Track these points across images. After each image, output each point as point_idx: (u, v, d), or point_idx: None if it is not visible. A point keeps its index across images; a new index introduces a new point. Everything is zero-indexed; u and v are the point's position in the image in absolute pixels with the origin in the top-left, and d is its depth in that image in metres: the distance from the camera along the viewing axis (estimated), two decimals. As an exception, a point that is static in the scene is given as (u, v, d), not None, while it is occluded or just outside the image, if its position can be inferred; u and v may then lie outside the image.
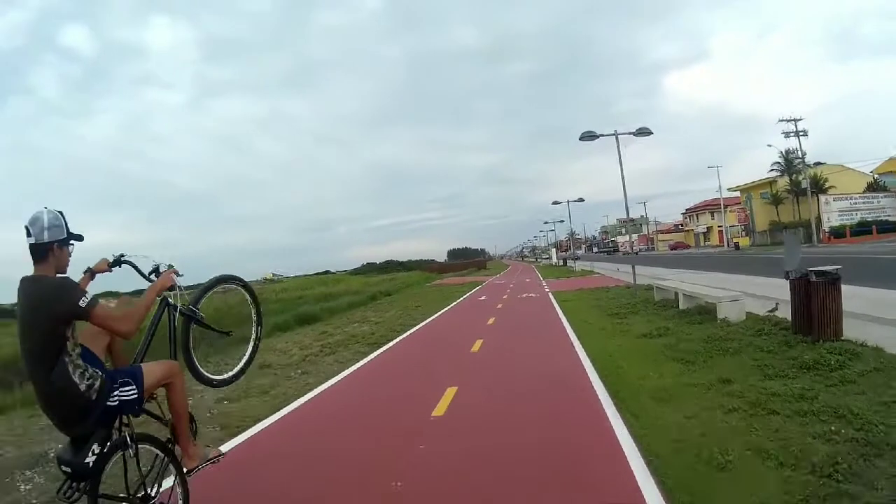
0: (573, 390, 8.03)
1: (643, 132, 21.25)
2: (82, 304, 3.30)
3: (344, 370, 11.05)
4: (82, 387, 3.35)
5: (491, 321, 17.02)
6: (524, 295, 27.76)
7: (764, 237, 72.42)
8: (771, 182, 72.91)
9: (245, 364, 4.92)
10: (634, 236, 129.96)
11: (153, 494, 3.83)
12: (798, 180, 66.27)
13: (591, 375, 8.76)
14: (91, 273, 3.99)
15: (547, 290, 30.01)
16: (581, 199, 46.78)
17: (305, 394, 9.18)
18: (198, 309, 4.29)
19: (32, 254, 3.38)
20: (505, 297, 27.51)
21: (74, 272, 3.69)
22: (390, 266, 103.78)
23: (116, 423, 3.64)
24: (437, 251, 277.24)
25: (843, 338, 8.93)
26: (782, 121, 60.76)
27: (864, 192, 67.40)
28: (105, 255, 4.09)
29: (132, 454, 3.65)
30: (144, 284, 4.08)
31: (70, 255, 3.55)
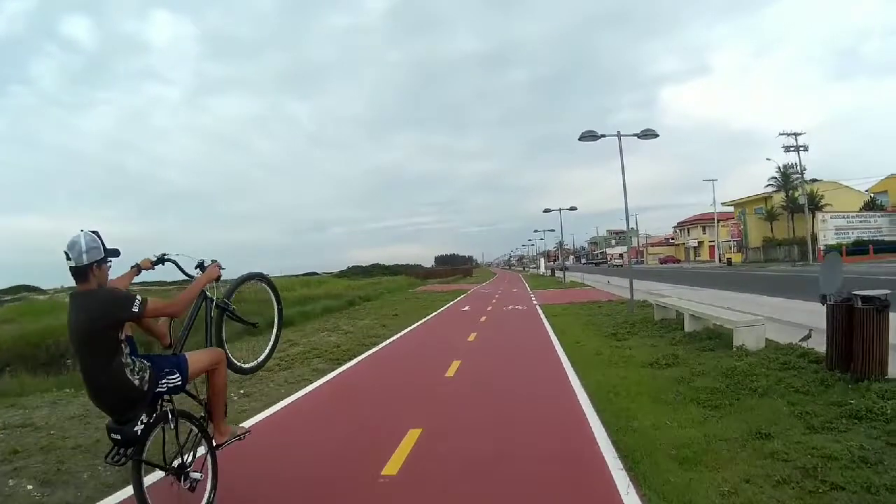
0: (570, 444, 6.21)
1: (648, 134, 19.54)
2: (136, 309, 3.71)
3: (291, 394, 9.26)
4: (136, 382, 3.80)
5: (472, 337, 15.18)
6: (510, 307, 25.88)
7: (757, 253, 71.54)
8: (766, 198, 72.06)
9: (268, 355, 5.55)
10: (624, 247, 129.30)
11: (188, 464, 4.29)
12: (794, 196, 65.43)
13: (591, 422, 6.94)
14: (137, 269, 4.44)
15: (535, 301, 28.24)
16: (574, 208, 44.94)
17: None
18: (230, 302, 4.85)
19: (74, 276, 3.74)
20: (490, 308, 25.64)
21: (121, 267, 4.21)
22: (376, 270, 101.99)
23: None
24: (425, 256, 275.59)
25: (888, 376, 7.43)
26: (783, 134, 59.66)
27: (861, 210, 66.68)
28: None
29: (172, 427, 4.16)
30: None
31: (109, 271, 3.92)
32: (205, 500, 4.43)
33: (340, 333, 17.10)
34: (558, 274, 71.19)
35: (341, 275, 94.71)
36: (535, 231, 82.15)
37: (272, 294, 5.59)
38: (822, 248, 59.97)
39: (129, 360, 3.80)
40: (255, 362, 5.38)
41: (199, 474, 4.37)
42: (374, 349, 13.87)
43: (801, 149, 60.17)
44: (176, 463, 4.21)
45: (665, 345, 12.22)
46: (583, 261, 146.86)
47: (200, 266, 4.68)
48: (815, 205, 62.10)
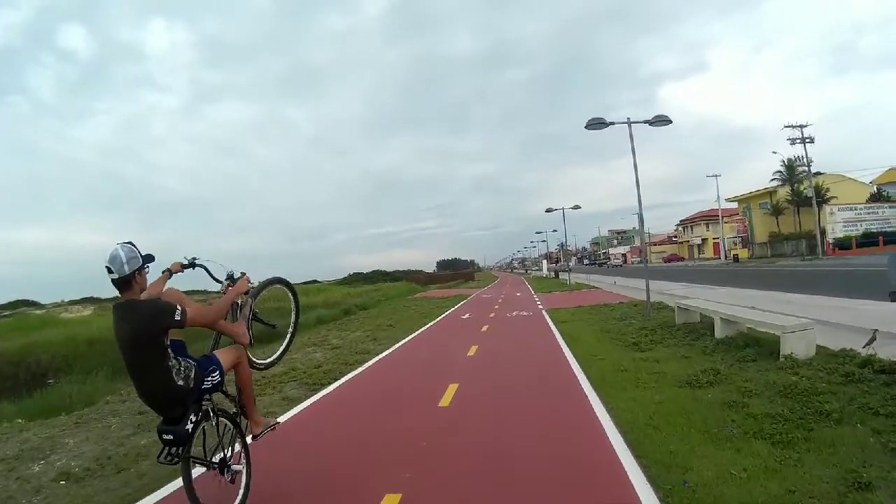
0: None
1: (660, 120, 17.70)
2: (178, 317, 3.96)
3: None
4: (181, 382, 4.07)
5: (472, 351, 13.25)
6: (514, 313, 23.86)
7: (764, 249, 69.70)
8: (771, 192, 70.27)
9: (282, 353, 5.80)
10: (626, 247, 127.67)
11: (228, 458, 4.66)
12: (800, 190, 63.91)
13: (632, 475, 5.06)
14: (169, 273, 4.71)
15: (540, 306, 26.29)
16: (578, 206, 43.01)
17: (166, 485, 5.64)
18: (254, 306, 5.08)
19: (118, 286, 3.99)
20: (492, 315, 23.57)
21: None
22: (377, 276, 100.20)
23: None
24: (427, 261, 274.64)
25: None
26: (788, 126, 58.05)
27: (867, 202, 64.91)
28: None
29: (213, 424, 4.54)
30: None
31: (147, 275, 4.20)
32: (241, 488, 4.76)
33: (327, 349, 15.21)
34: (562, 276, 69.40)
35: (342, 282, 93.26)
36: (538, 232, 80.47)
37: (292, 298, 5.87)
38: (830, 241, 58.58)
39: (174, 362, 4.06)
40: (270, 359, 5.63)
41: (240, 466, 4.78)
42: (359, 369, 11.95)
43: (807, 140, 58.69)
44: (218, 458, 4.57)
45: (698, 355, 10.44)
46: (585, 261, 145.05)
47: (230, 278, 4.95)
48: (821, 198, 60.27)
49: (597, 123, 17.45)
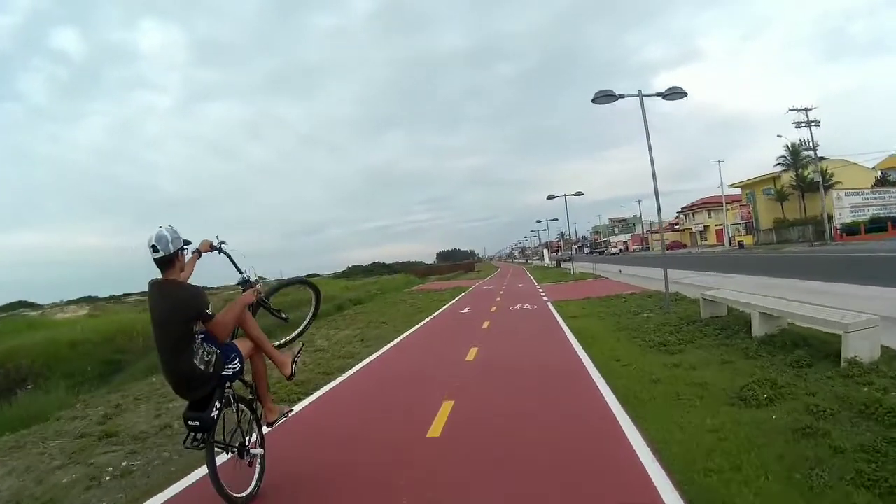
0: None
1: (674, 92, 15.88)
2: (209, 311, 4.30)
3: (180, 480, 5.59)
4: (202, 366, 4.26)
5: (471, 355, 11.34)
6: (518, 306, 21.80)
7: (769, 235, 67.90)
8: (774, 178, 68.40)
9: (293, 337, 5.97)
10: (627, 235, 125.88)
11: (246, 443, 4.89)
12: (804, 175, 62.06)
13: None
14: (198, 253, 4.89)
15: (545, 298, 24.33)
16: (580, 193, 41.36)
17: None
18: (268, 300, 5.32)
19: (161, 265, 4.30)
20: (493, 309, 21.57)
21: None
22: (376, 269, 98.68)
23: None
24: (426, 253, 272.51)
25: None
26: (793, 110, 56.18)
27: (873, 187, 63.04)
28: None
29: (234, 411, 4.76)
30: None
31: (186, 257, 4.56)
32: (257, 471, 5.01)
33: (309, 351, 13.32)
34: (565, 265, 67.58)
35: (341, 275, 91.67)
36: (538, 221, 78.33)
37: (314, 297, 6.23)
38: (837, 226, 56.84)
39: (200, 346, 4.30)
40: (281, 340, 5.79)
41: (258, 450, 5.06)
42: (338, 380, 10.06)
43: (813, 124, 56.93)
44: (237, 442, 4.79)
45: (739, 359, 8.71)
46: (586, 250, 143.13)
47: (246, 282, 5.06)
48: (826, 183, 58.39)
49: (605, 96, 15.62)
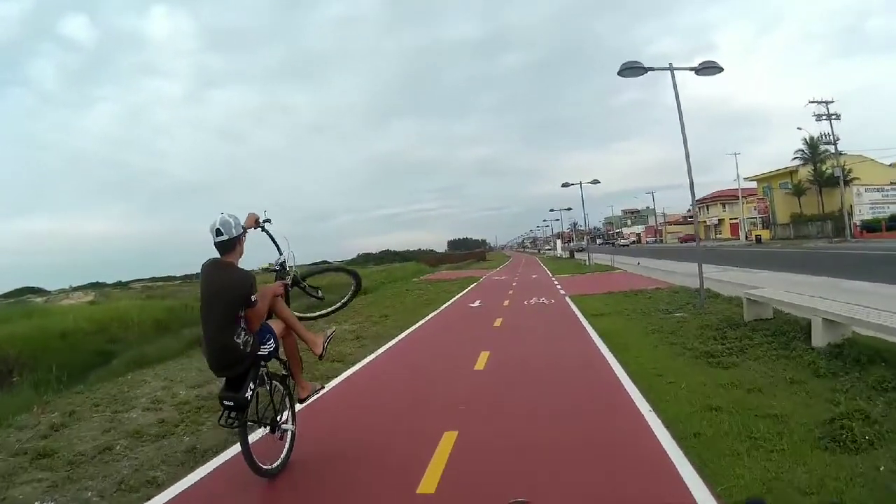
0: None
1: (708, 66, 13.76)
2: (253, 298, 4.47)
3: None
4: (241, 345, 4.43)
5: (481, 362, 9.36)
6: (533, 300, 19.55)
7: (786, 230, 65.58)
8: (792, 172, 66.01)
9: (327, 312, 6.11)
10: (641, 227, 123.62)
11: (278, 419, 5.01)
12: (823, 169, 59.60)
13: None
14: (243, 230, 4.80)
15: (562, 292, 22.05)
16: (596, 181, 39.39)
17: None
18: (304, 281, 5.51)
19: (223, 249, 4.58)
20: (506, 303, 19.41)
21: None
22: (386, 256, 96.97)
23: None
24: (438, 241, 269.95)
25: None
26: (813, 102, 53.76)
27: (891, 184, 60.53)
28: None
29: (267, 389, 4.89)
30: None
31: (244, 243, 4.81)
32: (287, 444, 5.13)
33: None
34: (578, 256, 65.50)
35: (350, 263, 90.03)
36: (551, 210, 75.75)
37: (353, 284, 6.19)
38: (857, 223, 54.60)
39: (241, 328, 4.46)
40: (311, 314, 6.26)
41: (289, 426, 5.18)
42: (322, 391, 7.87)
43: (833, 117, 54.53)
44: (269, 418, 4.91)
45: (808, 378, 6.92)
46: (598, 241, 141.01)
47: (282, 266, 5.27)
48: (845, 178, 55.97)
49: (633, 68, 13.51)
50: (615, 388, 7.22)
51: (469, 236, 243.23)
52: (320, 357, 5.43)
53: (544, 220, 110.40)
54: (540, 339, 11.77)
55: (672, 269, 28.19)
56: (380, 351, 11.32)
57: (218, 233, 4.50)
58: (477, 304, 20.30)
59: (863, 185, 58.62)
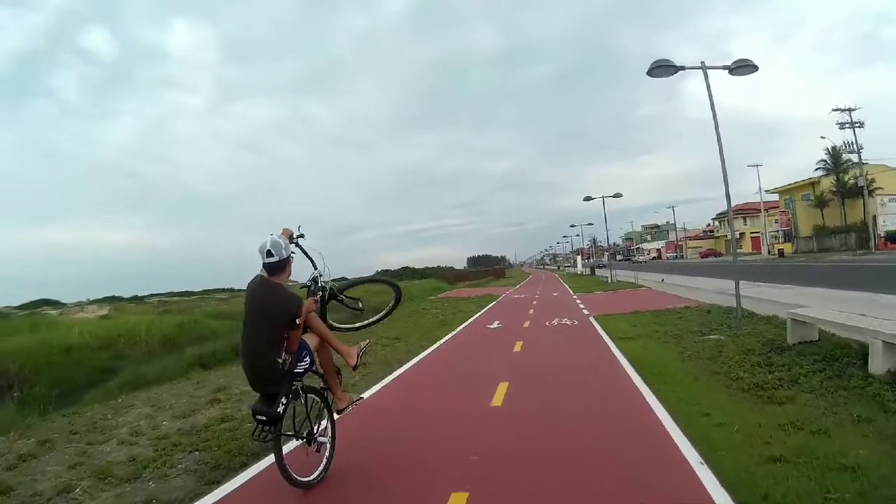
0: None
1: (743, 65, 12.64)
2: (297, 321, 4.58)
3: None
4: (281, 363, 4.54)
5: (498, 397, 8.12)
6: (555, 321, 18.06)
7: (809, 243, 63.86)
8: (813, 183, 64.42)
9: (359, 325, 6.26)
10: (661, 242, 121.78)
11: (315, 431, 5.06)
12: (845, 180, 57.97)
13: None
14: (293, 252, 4.99)
15: (586, 312, 20.60)
16: (619, 195, 38.25)
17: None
18: (341, 292, 5.62)
19: (273, 268, 4.67)
20: (527, 325, 17.91)
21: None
22: (405, 273, 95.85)
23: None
24: (457, 258, 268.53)
25: None
26: (836, 110, 52.39)
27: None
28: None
29: (302, 402, 4.95)
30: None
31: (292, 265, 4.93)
32: (325, 457, 5.15)
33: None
34: (599, 272, 64.02)
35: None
36: (572, 226, 74.35)
37: (393, 295, 6.50)
38: (881, 233, 52.92)
39: (283, 348, 4.57)
40: (347, 325, 6.21)
41: (325, 438, 5.20)
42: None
43: (857, 125, 53.01)
44: (306, 431, 4.98)
45: (876, 413, 5.96)
46: (618, 257, 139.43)
47: (315, 281, 5.38)
48: (867, 188, 54.27)
49: (663, 66, 12.41)
50: (657, 432, 6.06)
51: (489, 253, 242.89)
52: (354, 368, 5.44)
53: (564, 237, 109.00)
54: (564, 367, 10.54)
55: (697, 286, 26.97)
56: (386, 381, 10.16)
57: (269, 254, 4.61)
58: (495, 325, 18.94)
59: (886, 194, 57.03)
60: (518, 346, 13.06)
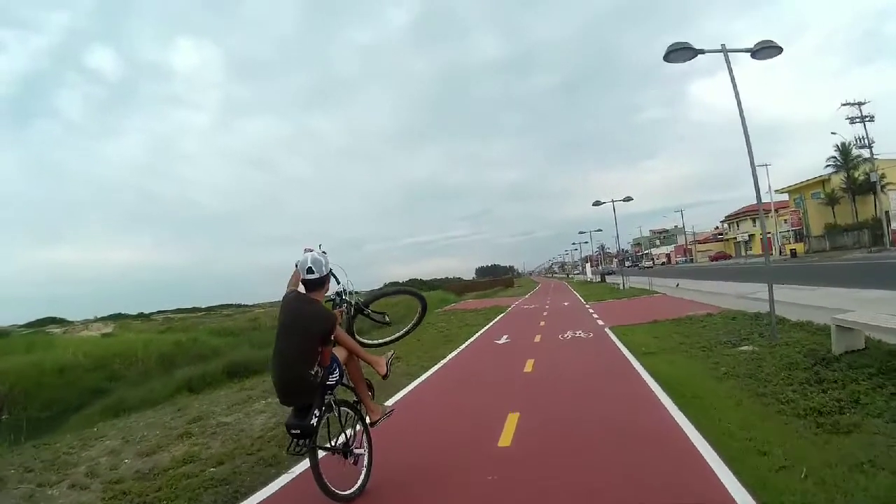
0: None
1: (767, 47, 11.40)
2: (333, 338, 4.67)
3: None
4: (313, 374, 4.50)
5: (507, 433, 6.80)
6: (568, 334, 16.55)
7: (821, 242, 62.18)
8: (823, 180, 62.91)
9: (389, 340, 6.23)
10: (670, 246, 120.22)
11: (350, 443, 5.06)
12: (855, 176, 56.43)
13: None
14: (331, 269, 5.02)
15: (600, 322, 19.10)
16: (629, 198, 37.10)
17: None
18: (367, 307, 5.62)
19: (313, 285, 4.73)
20: (538, 338, 16.40)
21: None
22: (413, 285, 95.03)
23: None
24: (466, 269, 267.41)
25: None
26: (846, 104, 50.96)
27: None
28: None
29: (336, 415, 4.94)
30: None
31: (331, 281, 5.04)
32: (364, 469, 5.12)
33: (266, 415, 9.28)
34: (610, 279, 62.60)
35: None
36: (581, 232, 72.85)
37: (420, 306, 6.40)
38: (895, 229, 51.29)
39: (316, 362, 4.54)
40: (376, 341, 6.13)
41: (361, 449, 5.16)
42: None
43: (867, 119, 51.62)
44: (341, 443, 4.99)
45: None
46: (627, 263, 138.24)
47: (340, 296, 5.37)
48: (879, 183, 52.70)
49: (682, 49, 11.22)
50: (703, 477, 4.77)
51: (497, 263, 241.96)
52: (384, 377, 5.38)
53: (573, 244, 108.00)
54: (582, 392, 9.14)
55: (713, 290, 25.67)
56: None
57: (310, 271, 4.66)
58: (504, 339, 17.39)
59: (898, 190, 55.45)
60: (529, 366, 11.62)
